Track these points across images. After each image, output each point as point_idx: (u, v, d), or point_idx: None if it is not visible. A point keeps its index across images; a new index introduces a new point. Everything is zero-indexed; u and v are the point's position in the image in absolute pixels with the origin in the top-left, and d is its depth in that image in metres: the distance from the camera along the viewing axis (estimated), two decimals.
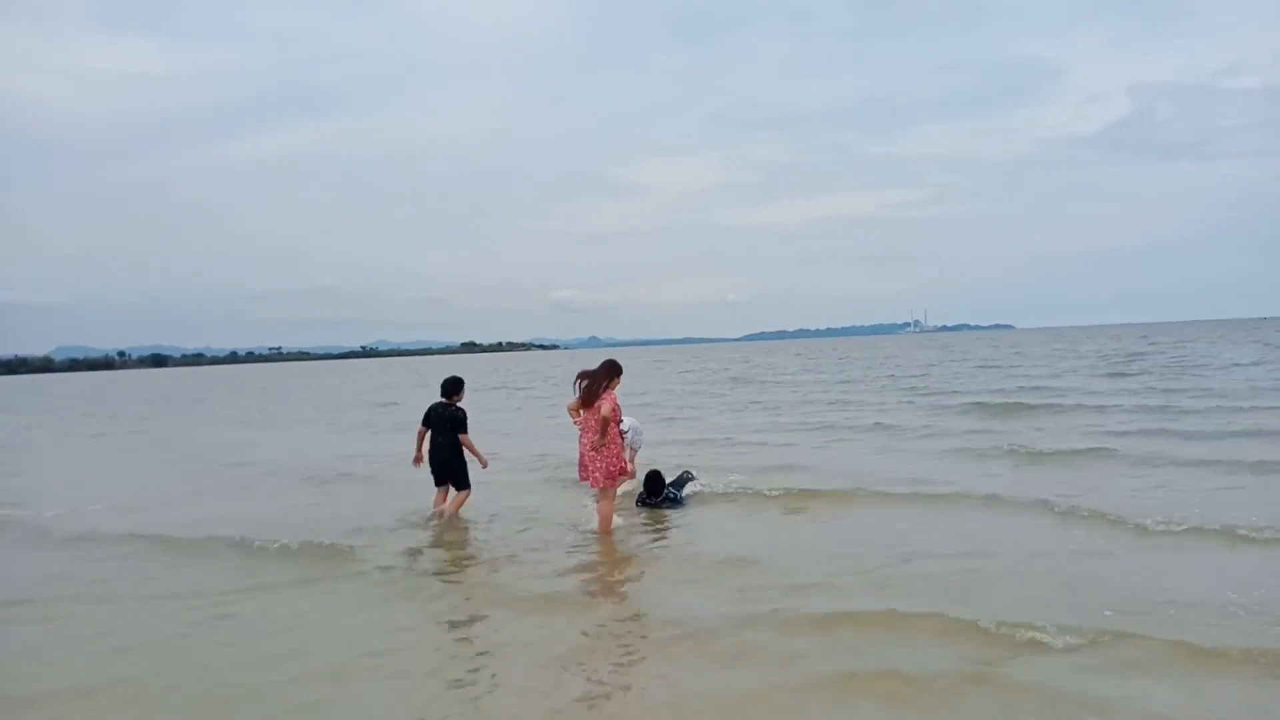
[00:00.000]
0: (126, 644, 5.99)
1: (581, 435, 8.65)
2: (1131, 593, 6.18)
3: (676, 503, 10.01)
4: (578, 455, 8.74)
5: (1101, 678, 4.78)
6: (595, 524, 8.82)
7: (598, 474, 8.51)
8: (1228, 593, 6.08)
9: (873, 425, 17.98)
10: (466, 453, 9.68)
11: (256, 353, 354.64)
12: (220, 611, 6.66)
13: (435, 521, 9.61)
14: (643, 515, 9.67)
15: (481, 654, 5.61)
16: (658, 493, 10.03)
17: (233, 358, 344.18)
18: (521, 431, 19.83)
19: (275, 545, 8.48)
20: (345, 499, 11.57)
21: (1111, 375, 30.05)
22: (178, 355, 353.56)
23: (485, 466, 9.80)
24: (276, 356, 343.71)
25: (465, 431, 9.69)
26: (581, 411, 8.62)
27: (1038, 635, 5.27)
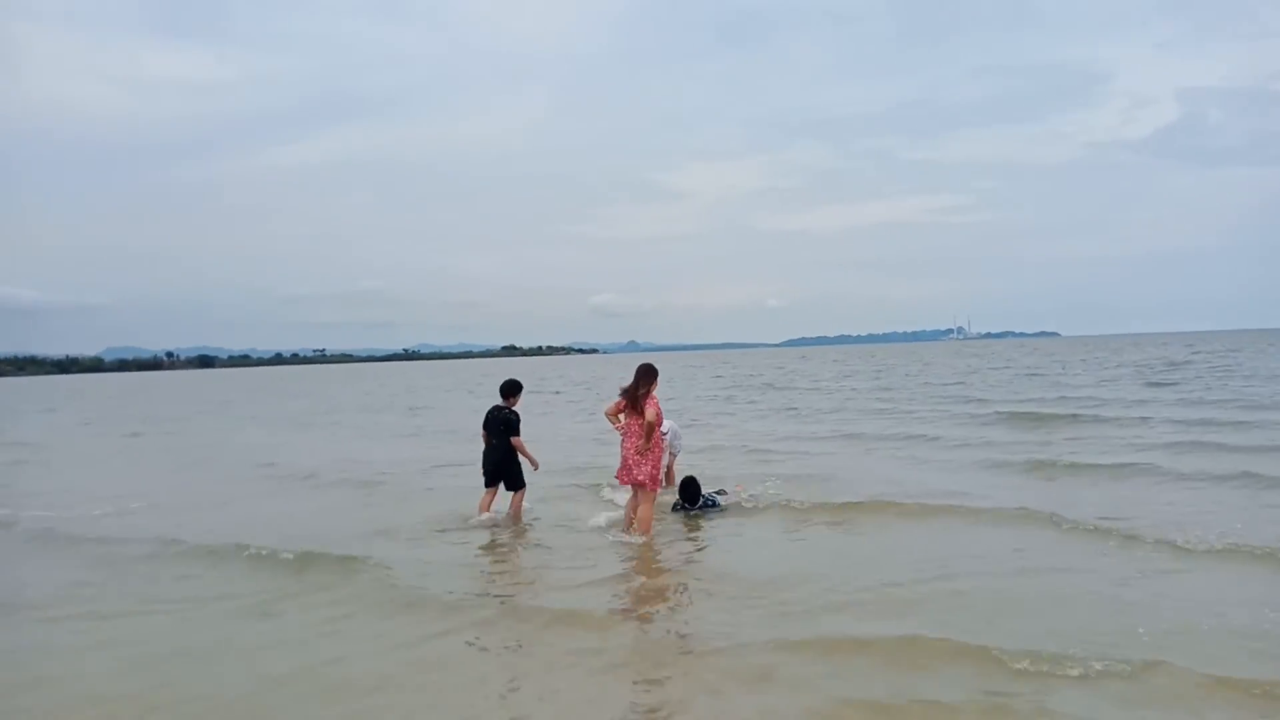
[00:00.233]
0: (159, 651, 6.01)
1: (625, 439, 8.79)
2: (1167, 618, 5.99)
3: (713, 506, 10.05)
4: (620, 458, 8.85)
5: (1133, 712, 4.61)
6: (630, 525, 8.91)
7: (643, 477, 8.65)
8: (1272, 619, 5.83)
9: (907, 435, 17.76)
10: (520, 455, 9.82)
11: (301, 354, 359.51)
12: (258, 616, 6.74)
13: (478, 521, 9.73)
14: (678, 523, 9.68)
15: (520, 663, 5.62)
16: (694, 499, 10.01)
17: (278, 359, 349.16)
18: (552, 436, 19.77)
19: (306, 551, 8.42)
20: (381, 503, 11.60)
21: (1153, 385, 29.41)
22: (224, 356, 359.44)
23: (536, 469, 9.97)
24: (320, 358, 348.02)
25: (517, 434, 9.82)
26: (622, 416, 8.80)
27: (1067, 664, 5.11)
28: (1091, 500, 10.11)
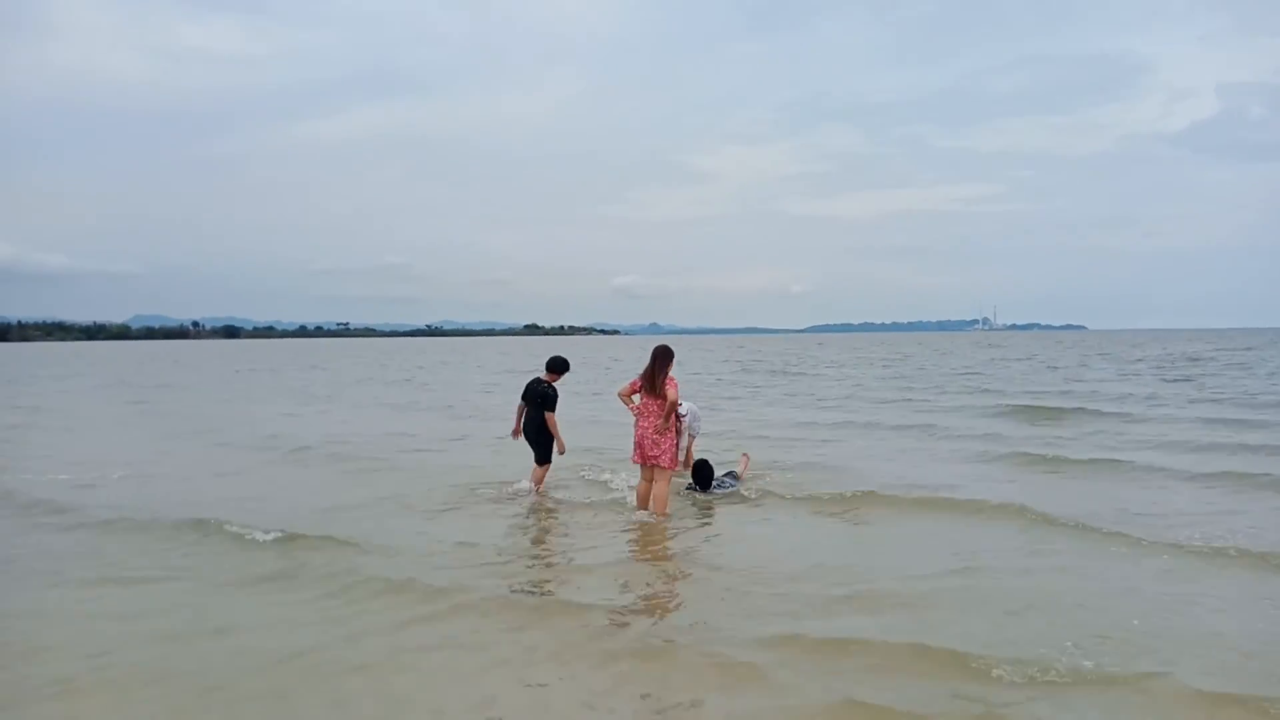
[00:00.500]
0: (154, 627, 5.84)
1: (640, 419, 8.86)
2: (1165, 625, 5.68)
3: (725, 488, 10.14)
4: (634, 439, 8.91)
5: None
6: (644, 504, 8.98)
7: (662, 456, 8.72)
8: (1277, 628, 5.52)
9: (917, 425, 17.42)
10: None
11: (325, 328, 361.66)
12: (265, 597, 6.49)
13: (530, 496, 9.89)
14: (689, 505, 9.63)
15: (513, 651, 5.35)
16: (706, 482, 10.10)
17: (301, 331, 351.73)
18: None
19: (289, 530, 8.10)
20: (379, 481, 11.39)
21: (1172, 381, 28.83)
22: (249, 327, 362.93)
23: (562, 452, 9.99)
24: (344, 332, 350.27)
25: (552, 410, 9.88)
26: (637, 396, 8.93)
27: (1056, 672, 4.83)
28: (1098, 496, 9.81)
